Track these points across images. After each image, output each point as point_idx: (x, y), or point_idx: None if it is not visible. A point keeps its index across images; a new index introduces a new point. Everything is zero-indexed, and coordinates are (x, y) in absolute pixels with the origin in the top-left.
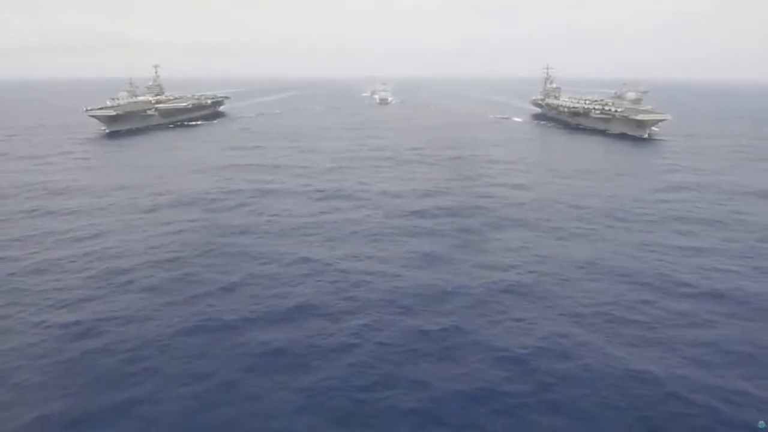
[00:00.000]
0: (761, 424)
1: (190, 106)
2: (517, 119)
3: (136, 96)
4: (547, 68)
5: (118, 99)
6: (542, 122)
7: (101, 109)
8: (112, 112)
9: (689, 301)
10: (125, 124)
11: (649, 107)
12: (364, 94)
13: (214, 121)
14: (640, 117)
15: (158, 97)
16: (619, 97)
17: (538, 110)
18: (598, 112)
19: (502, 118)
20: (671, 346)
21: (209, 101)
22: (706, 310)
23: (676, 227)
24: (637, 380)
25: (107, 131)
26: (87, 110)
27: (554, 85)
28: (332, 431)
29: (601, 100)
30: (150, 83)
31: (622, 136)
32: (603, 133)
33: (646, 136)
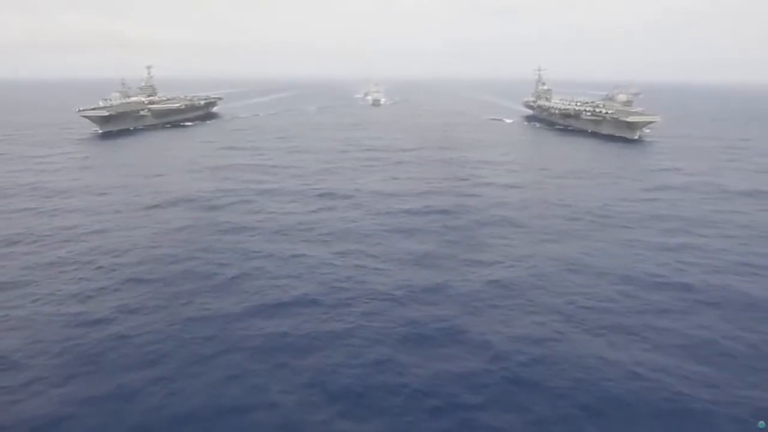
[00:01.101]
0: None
1: (183, 106)
2: (508, 120)
3: (129, 96)
4: (539, 70)
5: (110, 99)
6: (534, 124)
7: (94, 109)
8: (105, 113)
9: (663, 293)
10: (118, 125)
11: (639, 109)
12: (357, 96)
13: (207, 122)
14: (630, 119)
15: (151, 97)
16: (610, 99)
17: (530, 112)
18: (589, 114)
19: (495, 119)
20: (641, 332)
21: (202, 102)
22: (677, 299)
23: (658, 225)
24: (607, 362)
25: (100, 132)
26: (80, 111)
27: (546, 87)
28: (331, 405)
29: (592, 102)
30: (143, 84)
31: (613, 138)
32: (594, 134)
33: (636, 137)
